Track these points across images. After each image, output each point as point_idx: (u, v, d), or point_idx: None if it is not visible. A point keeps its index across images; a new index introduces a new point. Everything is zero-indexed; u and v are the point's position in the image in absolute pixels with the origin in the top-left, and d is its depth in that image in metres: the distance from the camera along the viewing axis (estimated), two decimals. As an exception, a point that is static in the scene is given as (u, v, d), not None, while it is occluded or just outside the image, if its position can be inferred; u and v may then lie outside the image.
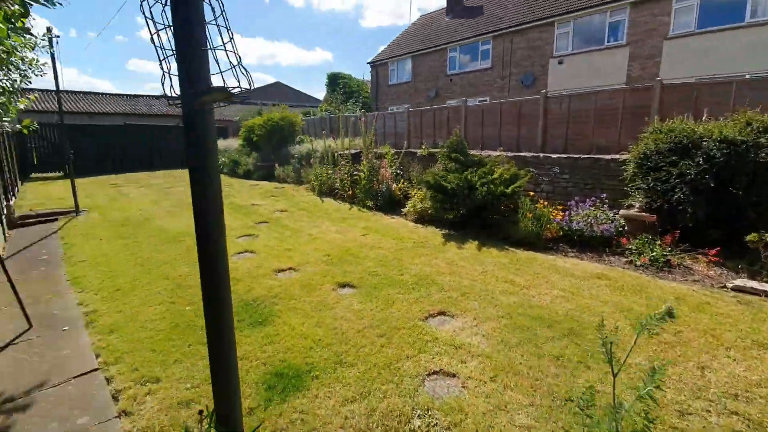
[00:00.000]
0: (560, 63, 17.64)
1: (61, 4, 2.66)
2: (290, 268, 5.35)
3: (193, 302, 4.30)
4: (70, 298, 4.58)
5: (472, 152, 8.28)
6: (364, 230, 7.35)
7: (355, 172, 10.60)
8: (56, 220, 8.82)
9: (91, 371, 3.15)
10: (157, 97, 26.97)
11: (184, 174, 16.72)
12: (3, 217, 7.86)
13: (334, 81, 33.90)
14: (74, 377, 3.07)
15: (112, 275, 5.23)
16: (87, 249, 6.49)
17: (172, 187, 12.93)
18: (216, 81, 1.40)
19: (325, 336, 3.55)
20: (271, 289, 4.65)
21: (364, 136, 11.22)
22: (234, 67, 1.37)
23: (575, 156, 7.76)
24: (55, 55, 8.75)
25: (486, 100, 21.00)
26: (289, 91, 48.20)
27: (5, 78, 4.81)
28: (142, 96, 26.40)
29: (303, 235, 7.11)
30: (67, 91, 23.59)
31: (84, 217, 8.82)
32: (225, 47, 1.36)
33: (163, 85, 1.39)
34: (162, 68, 1.38)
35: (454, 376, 2.97)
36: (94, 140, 17.59)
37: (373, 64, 28.36)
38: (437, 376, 2.99)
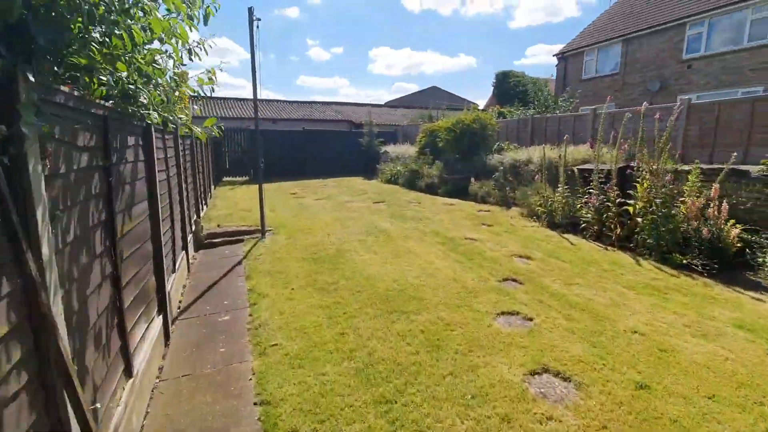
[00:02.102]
0: None
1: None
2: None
3: None
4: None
5: None
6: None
7: (619, 200, 6.80)
8: (242, 240, 7.41)
9: None
10: (328, 104, 27.38)
11: (354, 184, 15.19)
12: (190, 238, 6.56)
13: (504, 80, 29.99)
14: None
15: (321, 388, 2.77)
16: (277, 307, 4.35)
17: (351, 201, 11.10)
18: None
19: None
20: None
21: (618, 145, 7.29)
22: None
23: None
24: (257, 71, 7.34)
25: (759, 92, 14.44)
26: (444, 95, 46.07)
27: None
28: (316, 103, 27.03)
29: (623, 336, 3.71)
30: (251, 100, 25.38)
31: (269, 241, 7.18)
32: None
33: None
34: None
35: None
36: (274, 145, 17.59)
37: (562, 56, 23.50)
38: None
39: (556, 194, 8.12)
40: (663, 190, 6.21)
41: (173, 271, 4.77)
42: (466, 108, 13.05)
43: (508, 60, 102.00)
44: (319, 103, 27.05)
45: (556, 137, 11.98)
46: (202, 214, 8.91)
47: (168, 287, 4.05)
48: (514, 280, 5.11)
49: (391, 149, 17.85)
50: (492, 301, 4.45)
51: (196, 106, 5.06)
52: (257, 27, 6.95)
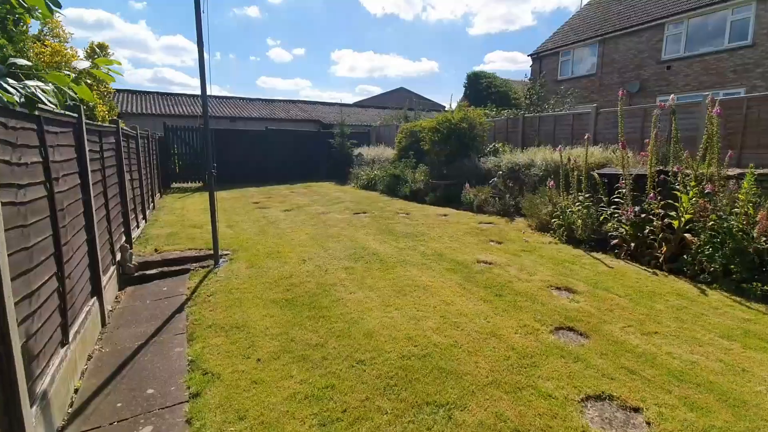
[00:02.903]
0: None
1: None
2: None
3: None
4: None
5: None
6: None
7: (658, 212, 5.63)
8: (188, 271, 5.59)
9: None
10: (293, 102, 25.39)
11: (327, 191, 13.48)
12: (111, 273, 4.69)
13: (476, 81, 29.28)
14: None
15: None
16: (235, 404, 2.68)
17: (326, 212, 9.43)
18: None
19: None
20: None
21: (653, 145, 6.16)
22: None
23: None
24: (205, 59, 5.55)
25: (740, 93, 14.20)
26: (412, 96, 45.19)
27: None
28: (279, 101, 24.99)
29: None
30: (212, 96, 23.01)
31: (225, 271, 5.41)
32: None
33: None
34: None
35: None
36: (234, 146, 15.54)
37: (537, 56, 22.95)
38: None
39: (575, 204, 6.89)
40: (723, 200, 5.08)
41: (65, 342, 2.97)
42: (461, 107, 11.72)
43: (467, 65, 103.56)
44: (283, 101, 25.03)
45: (551, 138, 10.91)
46: (136, 234, 6.94)
47: (39, 388, 2.30)
48: (572, 329, 3.71)
49: (365, 151, 16.28)
50: (562, 373, 3.00)
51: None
52: (204, 11, 5.20)
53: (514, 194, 8.79)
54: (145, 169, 9.01)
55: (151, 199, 10.14)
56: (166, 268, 5.65)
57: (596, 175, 6.88)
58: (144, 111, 17.75)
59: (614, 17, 19.82)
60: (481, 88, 28.70)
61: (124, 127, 6.80)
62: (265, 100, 24.51)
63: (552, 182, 7.50)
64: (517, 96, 28.85)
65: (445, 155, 11.30)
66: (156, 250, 6.20)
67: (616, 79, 18.73)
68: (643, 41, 17.55)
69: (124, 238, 5.95)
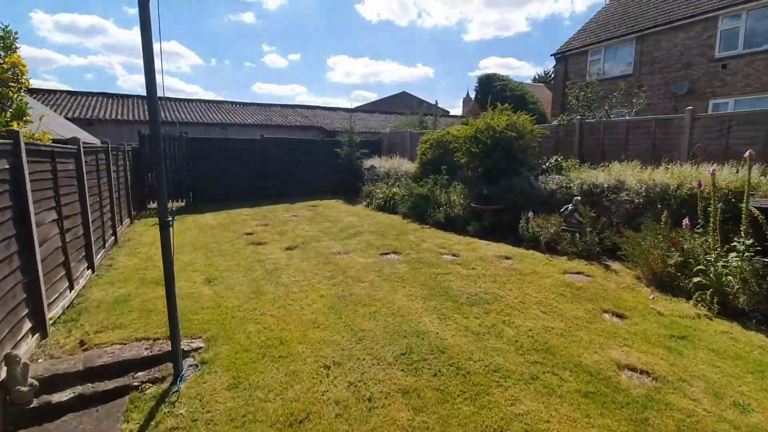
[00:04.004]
0: None
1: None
2: None
3: None
4: None
5: None
6: None
7: None
8: (128, 391, 3.23)
9: None
10: (292, 107, 23.05)
11: (336, 213, 11.12)
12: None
13: (488, 84, 27.14)
14: None
15: None
16: None
17: (344, 252, 7.07)
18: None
19: None
20: None
21: None
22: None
23: None
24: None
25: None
26: (415, 101, 43.27)
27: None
28: (276, 105, 22.66)
29: None
30: (200, 101, 20.64)
31: (190, 401, 3.04)
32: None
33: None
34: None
35: None
36: (223, 158, 13.17)
37: (561, 55, 20.82)
38: None
39: (729, 254, 4.60)
40: None
41: None
42: (502, 110, 9.44)
43: (462, 71, 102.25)
44: (280, 105, 22.69)
45: (622, 149, 8.65)
46: (64, 304, 4.55)
47: None
48: None
49: (377, 163, 13.97)
50: None
51: None
52: None
53: (597, 228, 6.49)
54: (96, 197, 6.63)
55: (112, 232, 7.75)
56: (90, 388, 3.27)
57: (755, 210, 4.60)
58: (120, 117, 15.36)
59: (653, 11, 17.75)
60: (494, 92, 26.53)
61: (43, 142, 4.44)
62: (261, 105, 22.18)
63: (665, 215, 5.20)
64: (534, 100, 26.75)
65: (487, 171, 9.01)
66: (82, 343, 3.82)
67: (659, 79, 16.60)
68: (692, 37, 15.43)
69: (23, 331, 3.57)
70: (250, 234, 8.41)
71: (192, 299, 4.83)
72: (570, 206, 6.90)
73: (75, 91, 16.83)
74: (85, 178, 5.75)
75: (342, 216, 10.40)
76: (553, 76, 21.80)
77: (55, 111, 14.37)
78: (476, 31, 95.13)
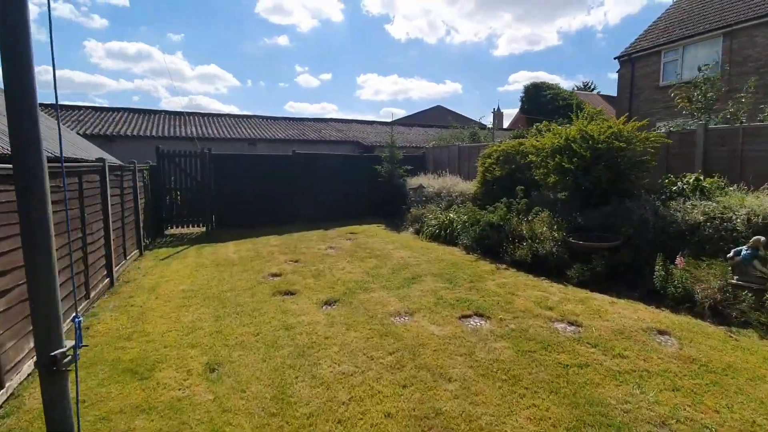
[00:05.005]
0: None
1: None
2: None
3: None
4: None
5: None
6: None
7: None
8: None
9: None
10: (325, 120, 21.60)
11: (382, 245, 9.17)
12: None
13: (536, 93, 24.87)
14: None
15: None
16: None
17: (406, 313, 5.07)
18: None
19: None
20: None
21: None
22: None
23: None
24: None
25: None
26: (450, 114, 41.56)
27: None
28: (309, 119, 21.29)
29: None
30: (229, 115, 19.52)
31: None
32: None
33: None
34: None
35: None
36: (249, 176, 11.60)
37: (628, 58, 18.34)
38: None
39: None
40: None
41: None
42: (593, 114, 7.33)
43: (492, 86, 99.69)
44: (313, 119, 21.29)
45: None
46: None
47: None
48: None
49: (425, 182, 11.98)
50: None
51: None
52: None
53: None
54: (78, 231, 4.97)
55: (106, 273, 6.10)
56: None
57: None
58: (144, 133, 14.23)
59: (740, 3, 15.14)
60: (544, 101, 24.24)
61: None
62: (292, 119, 20.86)
63: None
64: (594, 110, 24.17)
65: (587, 193, 6.83)
66: None
67: (754, 81, 13.86)
68: (804, 27, 12.74)
69: None
70: (277, 276, 6.55)
71: (176, 418, 2.93)
72: (744, 250, 4.61)
73: (99, 107, 16.03)
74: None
75: (389, 248, 8.42)
76: (618, 81, 19.19)
77: (77, 127, 13.39)
78: (505, 46, 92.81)
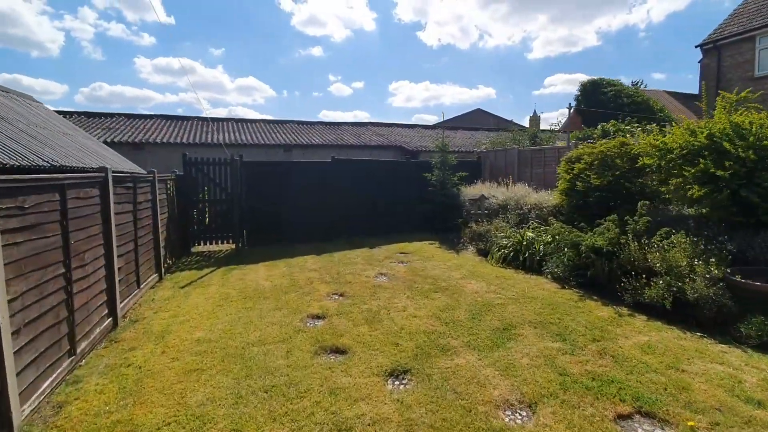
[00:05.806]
0: None
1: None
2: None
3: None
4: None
5: None
6: None
7: None
8: None
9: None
10: (364, 125, 20.24)
11: (447, 272, 7.49)
12: None
13: (594, 91, 22.39)
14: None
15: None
16: None
17: (524, 403, 3.39)
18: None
19: None
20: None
21: None
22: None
23: None
24: None
25: None
26: (491, 119, 39.57)
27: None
28: (347, 123, 19.99)
29: None
30: (262, 121, 18.52)
31: None
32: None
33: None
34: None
35: None
36: (283, 186, 10.27)
37: (713, 45, 15.78)
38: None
39: None
40: None
41: None
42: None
43: (527, 89, 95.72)
44: (351, 124, 19.98)
45: None
46: None
47: None
48: None
49: (486, 191, 10.19)
50: None
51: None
52: None
53: None
54: (59, 265, 3.64)
55: (107, 312, 4.79)
56: None
57: None
58: (175, 140, 13.32)
59: None
60: (604, 99, 21.69)
61: None
62: (330, 124, 19.62)
63: None
64: (660, 107, 21.42)
65: (746, 210, 4.87)
66: None
67: None
68: None
69: None
70: (320, 318, 5.01)
71: None
72: None
73: (130, 114, 15.39)
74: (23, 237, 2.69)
75: (455, 277, 6.71)
76: (700, 73, 16.59)
77: (106, 134, 12.65)
78: (540, 49, 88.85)
